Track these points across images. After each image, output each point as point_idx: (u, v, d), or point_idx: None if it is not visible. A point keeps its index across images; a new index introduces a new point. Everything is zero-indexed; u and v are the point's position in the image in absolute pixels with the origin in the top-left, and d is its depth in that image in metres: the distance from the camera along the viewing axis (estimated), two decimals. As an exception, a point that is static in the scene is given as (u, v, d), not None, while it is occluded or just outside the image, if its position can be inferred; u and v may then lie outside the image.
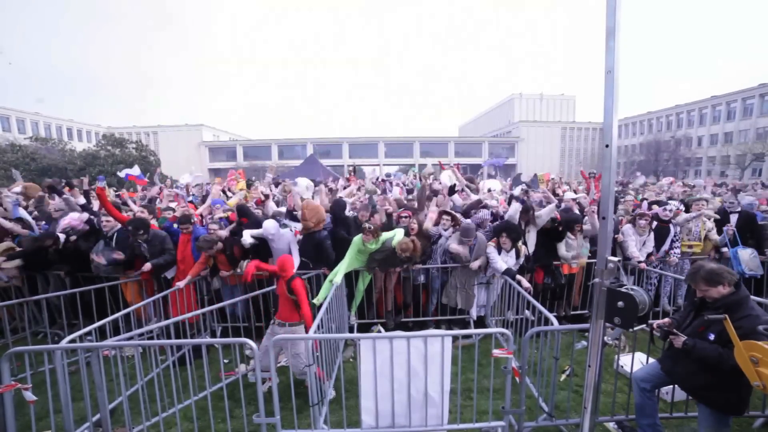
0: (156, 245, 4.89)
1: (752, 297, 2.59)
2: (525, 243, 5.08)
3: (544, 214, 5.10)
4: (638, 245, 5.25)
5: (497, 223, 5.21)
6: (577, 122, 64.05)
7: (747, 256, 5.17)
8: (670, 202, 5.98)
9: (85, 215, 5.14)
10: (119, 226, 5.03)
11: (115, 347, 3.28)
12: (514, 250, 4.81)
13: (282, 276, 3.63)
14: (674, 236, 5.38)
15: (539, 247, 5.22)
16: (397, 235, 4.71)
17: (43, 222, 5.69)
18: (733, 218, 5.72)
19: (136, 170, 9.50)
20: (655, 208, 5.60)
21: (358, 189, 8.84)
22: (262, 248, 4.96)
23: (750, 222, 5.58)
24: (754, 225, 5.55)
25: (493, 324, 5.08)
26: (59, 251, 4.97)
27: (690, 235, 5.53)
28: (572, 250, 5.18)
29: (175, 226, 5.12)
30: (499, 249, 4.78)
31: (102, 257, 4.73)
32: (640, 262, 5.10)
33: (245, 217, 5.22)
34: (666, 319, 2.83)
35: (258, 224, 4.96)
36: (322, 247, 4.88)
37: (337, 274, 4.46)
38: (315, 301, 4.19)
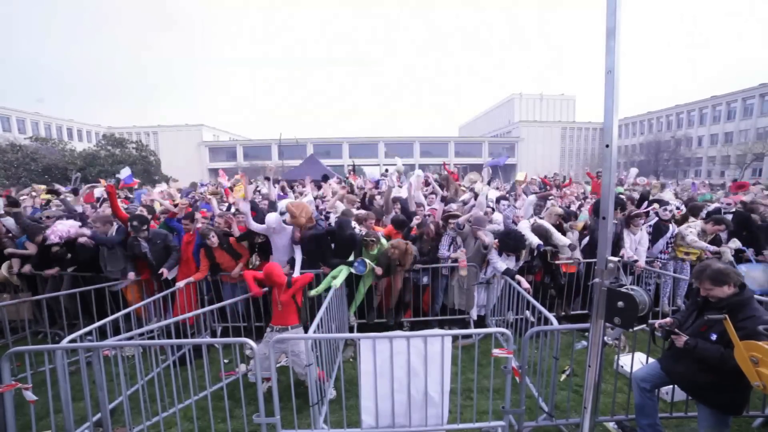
0: (158, 243, 4.89)
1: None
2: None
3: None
4: (633, 245, 5.24)
5: (507, 237, 4.93)
6: (577, 122, 64.10)
7: (759, 273, 4.76)
8: (670, 202, 5.98)
9: (78, 224, 5.06)
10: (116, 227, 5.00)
11: (116, 347, 3.28)
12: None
13: (277, 285, 3.58)
14: (670, 237, 5.37)
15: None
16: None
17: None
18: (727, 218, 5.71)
19: (125, 172, 9.22)
20: (656, 207, 5.61)
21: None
22: (266, 244, 5.05)
23: (744, 222, 5.55)
24: (749, 225, 5.52)
25: (493, 324, 5.08)
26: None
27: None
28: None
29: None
30: (500, 251, 4.79)
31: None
32: (635, 261, 5.10)
33: (254, 211, 5.24)
34: (668, 319, 2.83)
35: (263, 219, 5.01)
36: (322, 241, 4.90)
37: (338, 278, 4.47)
38: (312, 292, 4.25)
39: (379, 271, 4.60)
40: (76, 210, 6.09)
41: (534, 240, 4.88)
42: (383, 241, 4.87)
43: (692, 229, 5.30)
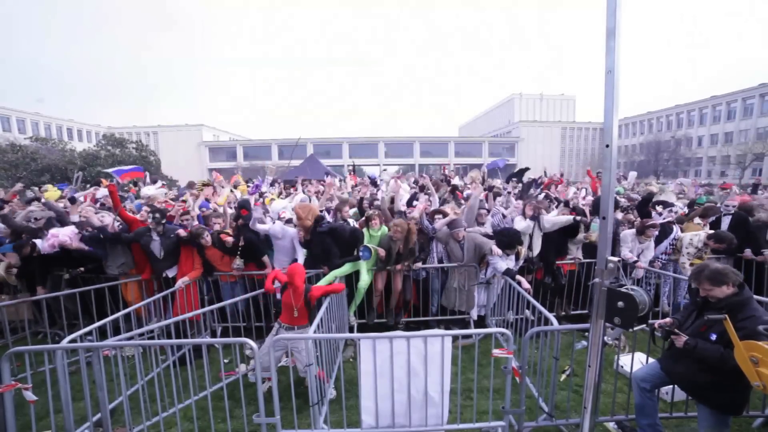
0: (171, 237, 4.94)
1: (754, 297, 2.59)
2: (530, 247, 5.17)
3: (556, 223, 5.15)
4: (636, 251, 5.21)
5: (501, 235, 5.01)
6: (577, 122, 64.06)
7: None
8: (675, 203, 5.97)
9: (75, 230, 5.05)
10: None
11: (116, 347, 3.28)
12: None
13: (295, 287, 3.58)
14: (674, 238, 5.36)
15: (544, 245, 5.25)
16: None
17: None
18: (726, 220, 5.71)
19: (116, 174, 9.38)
20: (660, 210, 5.61)
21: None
22: (256, 243, 5.03)
23: (743, 223, 5.55)
24: (748, 226, 5.53)
25: (493, 324, 5.08)
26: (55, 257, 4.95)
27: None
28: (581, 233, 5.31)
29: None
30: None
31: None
32: (635, 261, 5.09)
33: (245, 209, 5.24)
34: (668, 319, 2.83)
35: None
36: (326, 242, 4.90)
37: (340, 270, 4.54)
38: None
39: (382, 252, 4.63)
40: (60, 210, 5.98)
41: (525, 224, 5.03)
42: (384, 228, 4.95)
43: (692, 250, 5.19)
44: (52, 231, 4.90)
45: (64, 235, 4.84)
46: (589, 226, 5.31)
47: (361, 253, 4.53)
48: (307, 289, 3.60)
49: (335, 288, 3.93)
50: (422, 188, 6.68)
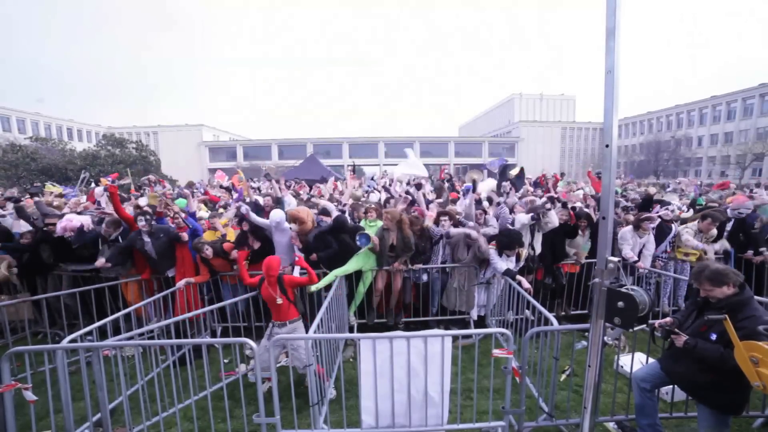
0: (161, 237, 4.89)
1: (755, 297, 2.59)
2: (532, 245, 5.17)
3: (554, 219, 5.14)
4: (637, 248, 5.22)
5: (501, 236, 4.99)
6: (577, 122, 64.02)
7: None
8: (672, 202, 5.98)
9: (87, 218, 5.09)
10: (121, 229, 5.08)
11: (116, 347, 3.28)
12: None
13: (269, 276, 3.60)
14: (673, 237, 5.36)
15: (544, 247, 5.24)
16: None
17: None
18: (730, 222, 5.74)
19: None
20: (657, 208, 5.60)
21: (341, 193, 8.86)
22: (267, 245, 5.04)
23: (741, 224, 5.59)
24: (746, 227, 5.56)
25: (493, 324, 5.08)
26: (53, 248, 4.98)
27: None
28: (574, 246, 5.26)
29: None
30: (499, 251, 4.78)
31: (104, 259, 4.78)
32: (635, 261, 5.09)
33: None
34: (668, 318, 2.83)
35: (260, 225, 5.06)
36: (328, 240, 4.89)
37: (343, 268, 4.59)
38: (312, 288, 4.24)
39: (376, 240, 4.64)
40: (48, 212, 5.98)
41: (524, 217, 5.08)
42: (379, 222, 5.01)
43: (689, 229, 5.31)
44: (68, 216, 4.92)
45: (78, 220, 4.87)
46: (582, 230, 5.30)
47: (358, 240, 4.54)
48: (280, 277, 3.63)
49: (308, 279, 3.86)
50: (418, 186, 6.67)
